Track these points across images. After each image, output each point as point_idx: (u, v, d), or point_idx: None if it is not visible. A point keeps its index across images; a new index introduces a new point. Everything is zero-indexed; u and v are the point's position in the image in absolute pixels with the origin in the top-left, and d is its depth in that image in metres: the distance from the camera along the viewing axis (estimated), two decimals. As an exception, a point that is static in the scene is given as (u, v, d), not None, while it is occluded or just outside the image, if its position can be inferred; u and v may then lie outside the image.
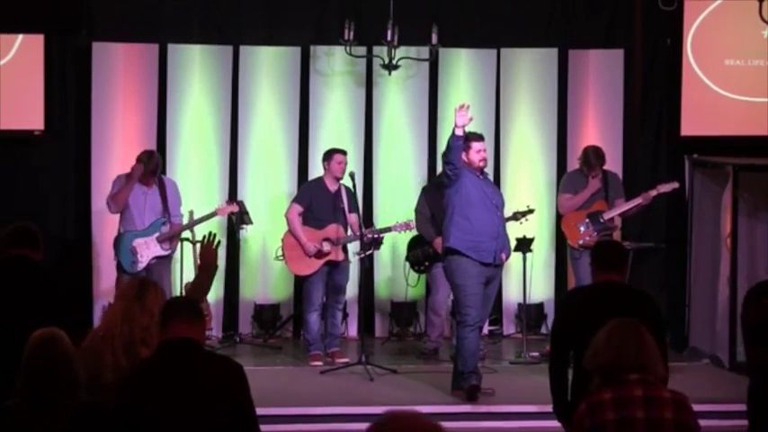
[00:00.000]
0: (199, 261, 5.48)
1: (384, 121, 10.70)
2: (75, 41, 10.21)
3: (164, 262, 9.37)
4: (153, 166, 9.27)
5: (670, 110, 10.64)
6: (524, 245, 9.67)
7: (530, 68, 10.78)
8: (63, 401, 4.19)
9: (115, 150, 10.29)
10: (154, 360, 4.40)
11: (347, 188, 9.42)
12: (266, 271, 10.55)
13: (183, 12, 10.53)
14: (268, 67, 10.58)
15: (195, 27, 10.57)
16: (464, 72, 10.73)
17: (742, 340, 5.80)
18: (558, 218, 10.07)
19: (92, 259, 10.23)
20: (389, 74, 10.21)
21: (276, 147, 10.59)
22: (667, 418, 4.12)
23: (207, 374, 4.32)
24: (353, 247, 9.49)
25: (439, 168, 9.35)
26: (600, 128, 10.73)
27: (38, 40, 9.96)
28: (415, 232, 9.87)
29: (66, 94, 10.33)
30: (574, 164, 10.13)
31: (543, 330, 10.57)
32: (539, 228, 10.38)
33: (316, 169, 10.29)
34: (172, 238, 9.40)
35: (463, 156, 8.10)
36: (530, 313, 10.27)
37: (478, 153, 8.22)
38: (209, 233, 5.55)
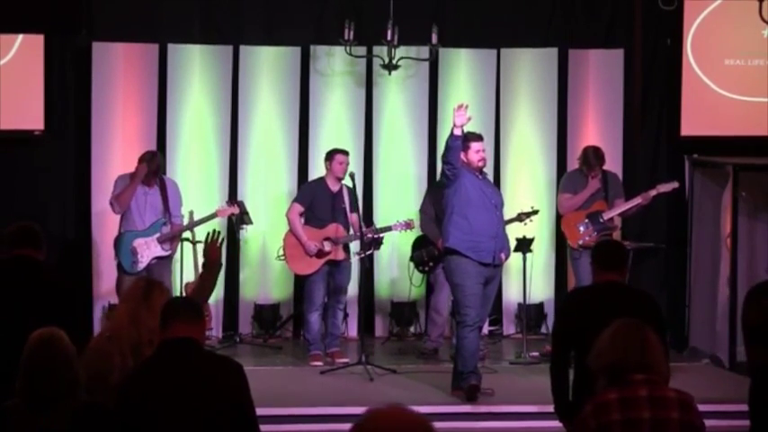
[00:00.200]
0: (203, 259, 5.47)
1: (384, 121, 10.70)
2: (75, 41, 10.20)
3: (164, 262, 9.37)
4: (155, 166, 9.28)
5: (670, 110, 10.64)
6: (524, 245, 9.67)
7: (530, 68, 10.78)
8: (63, 401, 4.19)
9: (115, 150, 10.29)
10: (154, 360, 4.41)
11: (349, 188, 9.42)
12: (266, 271, 10.55)
13: (183, 12, 10.53)
14: (268, 67, 10.58)
15: (195, 27, 10.57)
16: (464, 72, 10.73)
17: (742, 340, 5.80)
18: (559, 218, 10.07)
19: (92, 259, 10.23)
20: (389, 74, 10.21)
21: (276, 147, 10.59)
22: (673, 418, 4.12)
23: (207, 374, 4.32)
24: (355, 246, 9.49)
25: (439, 168, 9.35)
26: (600, 128, 10.73)
27: (38, 40, 9.96)
28: (418, 232, 9.89)
29: (66, 94, 10.33)
30: (574, 164, 10.14)
31: (543, 330, 10.58)
32: (539, 228, 10.38)
33: (316, 169, 10.29)
34: (172, 239, 9.40)
35: (462, 156, 8.09)
36: (530, 313, 10.27)
37: (477, 153, 8.21)
38: (213, 231, 5.53)
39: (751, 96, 10.37)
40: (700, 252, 10.24)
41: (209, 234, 5.48)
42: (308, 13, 10.66)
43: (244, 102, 10.56)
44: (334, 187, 9.47)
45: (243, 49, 10.60)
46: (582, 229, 9.60)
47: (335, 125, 10.61)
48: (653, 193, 9.62)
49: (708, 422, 4.40)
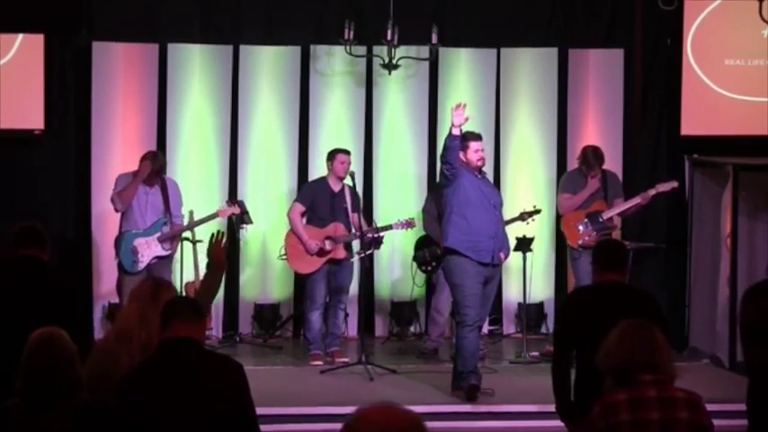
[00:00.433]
0: (207, 260, 5.48)
1: (384, 121, 10.70)
2: (75, 41, 10.20)
3: (164, 262, 9.37)
4: (158, 166, 9.28)
5: (670, 110, 10.64)
6: (524, 245, 9.67)
7: (530, 68, 10.78)
8: (64, 401, 4.19)
9: (115, 150, 10.29)
10: (154, 359, 4.41)
11: (350, 188, 9.43)
12: (266, 271, 10.55)
13: (183, 12, 10.53)
14: (268, 67, 10.58)
15: (195, 27, 10.57)
16: (464, 72, 10.73)
17: (740, 340, 5.81)
18: (559, 218, 10.07)
19: (92, 260, 10.23)
20: (389, 74, 10.21)
21: (276, 147, 10.59)
22: (682, 418, 4.12)
23: (207, 374, 4.33)
24: (356, 245, 9.49)
25: (439, 168, 9.35)
26: (600, 128, 10.73)
27: (38, 40, 9.96)
28: (421, 232, 9.90)
29: (66, 94, 10.33)
30: (574, 164, 10.13)
31: (543, 330, 10.58)
32: (539, 227, 10.38)
33: (316, 169, 10.30)
34: (173, 239, 9.40)
35: (461, 155, 8.09)
36: (530, 313, 10.27)
37: (476, 153, 8.21)
38: (218, 231, 5.56)
39: (751, 96, 10.37)
40: (700, 252, 10.24)
41: (213, 235, 5.50)
42: (308, 13, 10.66)
43: (244, 102, 10.56)
44: (335, 187, 9.48)
45: (243, 48, 10.60)
46: (581, 228, 9.60)
47: (335, 125, 10.61)
48: (652, 192, 9.62)
49: (708, 422, 4.41)
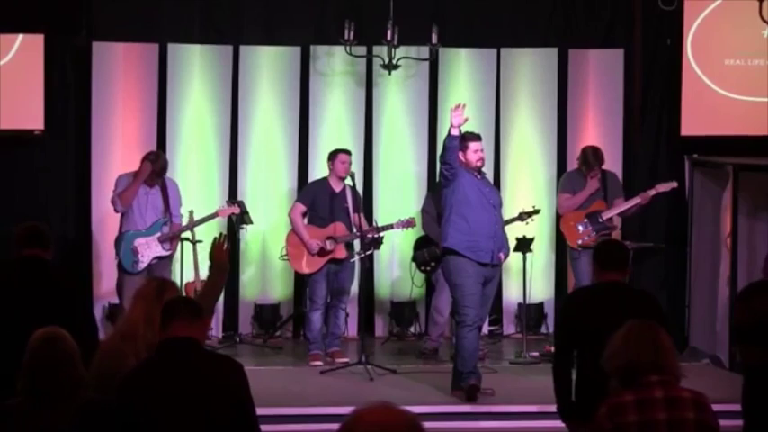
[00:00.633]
0: (209, 262, 5.50)
1: (384, 121, 10.70)
2: (75, 41, 10.20)
3: (164, 262, 9.38)
4: (160, 166, 9.28)
5: (670, 110, 10.64)
6: (524, 245, 9.67)
7: (530, 68, 10.78)
8: (65, 400, 4.20)
9: (115, 150, 10.29)
10: (154, 359, 4.41)
11: (352, 188, 9.43)
12: (266, 271, 10.55)
13: (183, 12, 10.53)
14: (268, 67, 10.58)
15: (195, 27, 10.57)
16: (464, 72, 10.73)
17: (735, 341, 5.83)
18: (558, 218, 10.07)
19: (92, 260, 10.23)
20: (389, 74, 10.21)
21: (276, 147, 10.59)
22: (689, 419, 4.12)
23: (207, 373, 4.33)
24: (357, 245, 9.49)
25: (439, 168, 9.35)
26: (600, 128, 10.74)
27: (38, 40, 9.96)
28: (420, 232, 9.90)
29: (66, 94, 10.33)
30: (574, 164, 10.14)
31: (543, 330, 10.58)
32: (539, 228, 10.38)
33: (316, 169, 10.30)
34: (172, 239, 9.41)
35: (461, 155, 8.10)
36: (530, 313, 10.27)
37: (476, 153, 8.21)
38: (220, 234, 5.61)
39: (751, 96, 10.37)
40: (700, 252, 10.23)
41: (215, 238, 5.54)
42: (307, 13, 10.66)
43: (244, 102, 10.56)
44: (336, 187, 9.48)
45: (243, 49, 10.60)
46: (581, 228, 9.61)
47: (335, 125, 10.61)
48: (652, 192, 9.63)
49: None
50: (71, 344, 4.29)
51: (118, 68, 10.35)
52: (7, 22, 9.52)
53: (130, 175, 9.31)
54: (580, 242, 9.54)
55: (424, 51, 10.32)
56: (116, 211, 9.34)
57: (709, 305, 9.93)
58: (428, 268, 9.94)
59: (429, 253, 9.80)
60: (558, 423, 5.65)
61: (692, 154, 10.36)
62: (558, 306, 10.41)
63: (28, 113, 10.02)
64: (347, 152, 9.55)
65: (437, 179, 9.70)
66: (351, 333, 10.25)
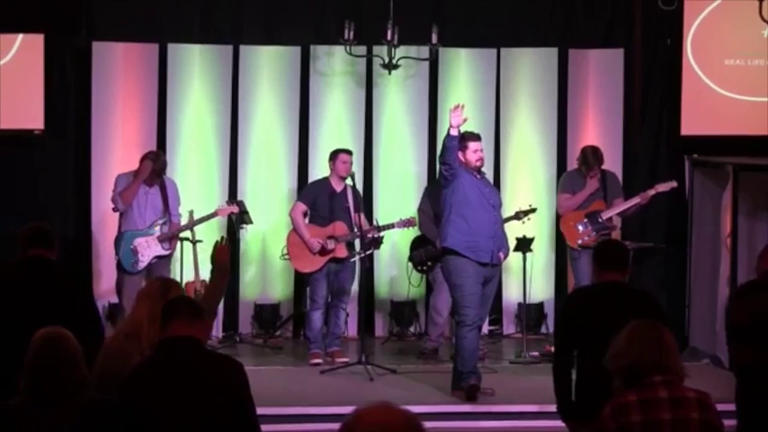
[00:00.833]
0: (211, 265, 5.52)
1: (384, 121, 10.70)
2: (75, 41, 10.20)
3: (164, 261, 9.39)
4: (160, 166, 9.29)
5: (670, 110, 10.64)
6: (524, 245, 9.67)
7: (530, 68, 10.78)
8: (67, 400, 4.20)
9: (115, 150, 10.29)
10: (155, 358, 4.41)
11: (353, 188, 9.44)
12: (266, 271, 10.56)
13: (183, 12, 10.53)
14: (268, 67, 10.58)
15: (195, 27, 10.57)
16: (464, 72, 10.73)
17: (728, 341, 5.85)
18: (558, 218, 10.07)
19: (91, 259, 10.23)
20: (389, 74, 10.21)
21: (276, 147, 10.59)
22: (694, 419, 4.12)
23: (207, 373, 4.33)
24: (358, 245, 9.49)
25: (438, 168, 9.36)
26: (600, 128, 10.74)
27: (38, 40, 9.96)
28: (417, 232, 9.90)
29: (66, 94, 10.33)
30: (574, 164, 10.14)
31: (543, 330, 10.58)
32: (539, 228, 10.39)
33: (316, 169, 10.31)
34: (171, 238, 9.41)
35: (460, 155, 8.10)
36: (530, 313, 10.27)
37: (475, 153, 8.21)
38: (222, 238, 5.65)
39: (751, 96, 10.37)
40: (700, 252, 10.23)
41: (217, 241, 5.58)
42: (307, 13, 10.66)
43: (244, 102, 10.56)
44: (337, 187, 9.48)
45: (243, 49, 10.60)
46: (581, 228, 9.61)
47: (335, 125, 10.61)
48: (651, 192, 9.63)
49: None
50: (73, 344, 4.29)
51: (118, 68, 10.35)
52: (7, 22, 9.51)
53: (130, 174, 9.31)
54: (580, 242, 9.54)
55: (424, 51, 10.32)
56: (116, 209, 9.34)
57: (709, 305, 9.93)
58: (425, 268, 9.94)
59: (426, 252, 9.80)
60: (559, 423, 5.65)
61: (692, 154, 10.36)
62: (558, 306, 10.42)
63: (28, 113, 10.02)
64: (348, 152, 9.56)
65: (436, 178, 9.71)
66: (351, 333, 10.25)
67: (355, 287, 9.66)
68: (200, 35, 10.57)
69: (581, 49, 10.80)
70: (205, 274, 9.30)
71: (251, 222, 10.03)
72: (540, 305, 10.66)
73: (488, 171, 9.01)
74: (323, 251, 9.37)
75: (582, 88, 10.80)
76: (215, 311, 5.93)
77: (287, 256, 9.61)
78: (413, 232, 9.96)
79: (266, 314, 10.48)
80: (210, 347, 8.97)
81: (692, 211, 10.33)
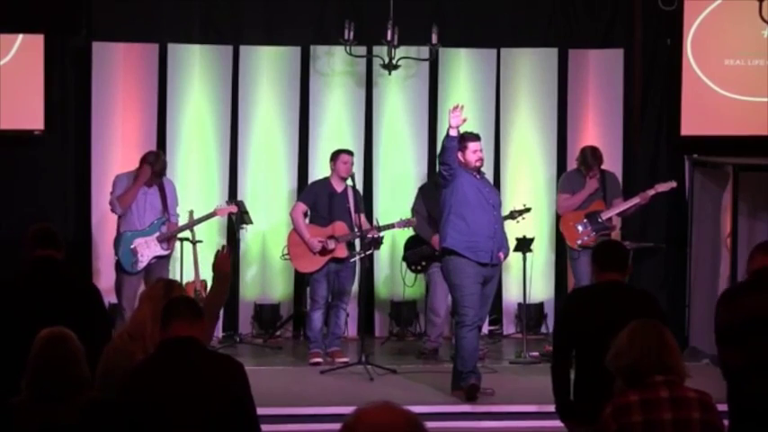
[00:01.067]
0: (213, 272, 5.57)
1: (384, 121, 10.70)
2: (75, 41, 10.20)
3: (163, 262, 9.39)
4: (159, 167, 9.28)
5: (670, 110, 10.64)
6: (524, 245, 9.67)
7: (530, 68, 10.78)
8: (69, 399, 4.21)
9: (115, 150, 10.29)
10: (155, 358, 4.42)
11: (354, 188, 9.44)
12: (266, 271, 10.56)
13: (183, 12, 10.53)
14: (268, 67, 10.58)
15: (195, 27, 10.57)
16: (464, 72, 10.73)
17: (717, 343, 5.87)
18: (558, 218, 10.08)
19: (91, 259, 10.23)
20: (389, 74, 10.21)
21: (276, 147, 10.59)
22: (695, 419, 4.12)
23: (208, 373, 4.33)
24: (358, 245, 9.49)
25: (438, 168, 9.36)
26: (600, 128, 10.73)
27: (38, 40, 9.96)
28: (411, 232, 9.89)
29: (66, 94, 10.34)
30: (573, 164, 10.14)
31: (543, 330, 10.58)
32: (539, 228, 10.39)
33: (316, 169, 10.31)
34: (170, 238, 9.41)
35: (460, 156, 8.10)
36: (530, 313, 10.27)
37: (475, 153, 8.21)
38: (223, 246, 5.75)
39: (751, 96, 10.37)
40: (700, 252, 10.23)
41: (218, 250, 5.64)
42: (308, 13, 10.66)
43: (244, 102, 10.56)
44: (338, 187, 9.48)
45: (243, 49, 10.60)
46: (580, 228, 9.61)
47: (335, 125, 10.61)
48: (651, 192, 9.63)
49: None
50: (76, 343, 4.30)
51: (118, 68, 10.35)
52: (7, 22, 9.50)
53: (129, 174, 9.31)
54: (580, 242, 9.54)
55: (424, 51, 10.32)
56: (114, 213, 9.34)
57: (709, 305, 9.89)
58: (418, 267, 9.94)
59: (419, 252, 9.79)
60: (558, 423, 5.66)
61: (692, 154, 10.36)
62: (557, 306, 10.42)
63: (28, 113, 10.02)
64: (349, 152, 9.56)
65: (431, 178, 9.72)
66: (351, 333, 10.25)
67: (355, 287, 9.66)
68: (200, 35, 10.57)
69: (581, 49, 10.80)
70: (205, 274, 9.32)
71: (251, 222, 10.03)
72: (540, 305, 10.66)
73: (488, 171, 9.01)
74: (323, 251, 9.37)
75: (582, 88, 10.80)
76: (217, 315, 5.98)
77: (287, 256, 9.61)
78: (407, 232, 9.96)
79: (266, 314, 10.48)
80: (210, 347, 8.98)
81: (691, 211, 10.33)
